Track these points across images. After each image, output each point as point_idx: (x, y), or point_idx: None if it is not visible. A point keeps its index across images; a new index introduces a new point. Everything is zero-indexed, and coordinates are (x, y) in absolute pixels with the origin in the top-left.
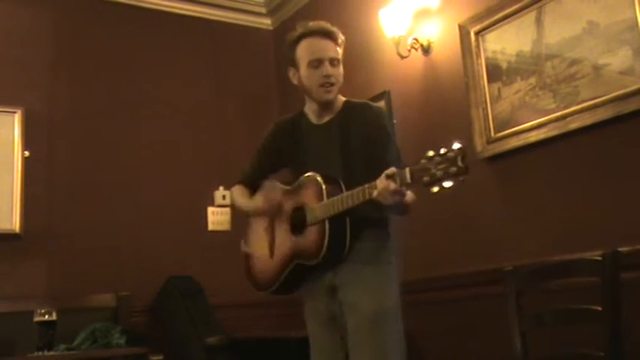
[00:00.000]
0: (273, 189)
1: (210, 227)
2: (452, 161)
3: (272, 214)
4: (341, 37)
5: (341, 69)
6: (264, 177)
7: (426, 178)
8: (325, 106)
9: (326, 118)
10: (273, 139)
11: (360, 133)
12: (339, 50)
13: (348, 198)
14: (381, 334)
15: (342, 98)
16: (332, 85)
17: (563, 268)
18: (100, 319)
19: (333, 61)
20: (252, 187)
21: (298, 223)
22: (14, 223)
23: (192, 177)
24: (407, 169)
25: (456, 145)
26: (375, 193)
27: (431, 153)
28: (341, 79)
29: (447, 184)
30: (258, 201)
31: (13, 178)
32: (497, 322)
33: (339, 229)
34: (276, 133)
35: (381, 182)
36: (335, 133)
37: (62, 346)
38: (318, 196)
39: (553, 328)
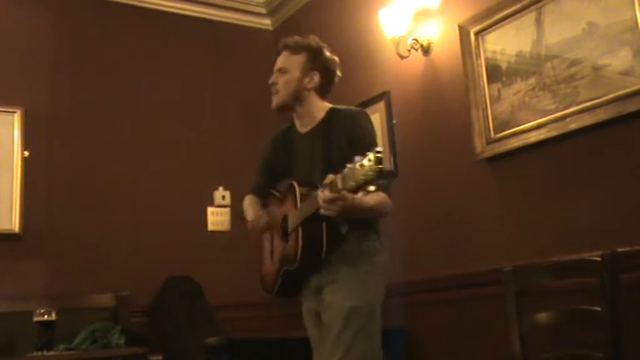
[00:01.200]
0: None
1: (210, 227)
2: (371, 165)
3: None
4: (300, 44)
5: (289, 76)
6: (270, 186)
7: (351, 183)
8: (297, 115)
9: (310, 127)
10: (270, 151)
11: (340, 140)
12: (295, 58)
13: (308, 204)
14: (349, 331)
15: (327, 105)
16: (276, 92)
17: (563, 269)
18: (99, 319)
19: (279, 70)
20: (262, 195)
21: (285, 229)
22: (14, 223)
23: (192, 177)
24: (338, 176)
25: (377, 149)
26: (321, 210)
27: (357, 158)
28: (288, 85)
29: (371, 187)
30: (252, 218)
31: (12, 178)
32: (497, 322)
33: (315, 234)
34: (272, 145)
35: (322, 192)
36: (317, 140)
37: (61, 346)
38: (294, 203)
39: (552, 329)
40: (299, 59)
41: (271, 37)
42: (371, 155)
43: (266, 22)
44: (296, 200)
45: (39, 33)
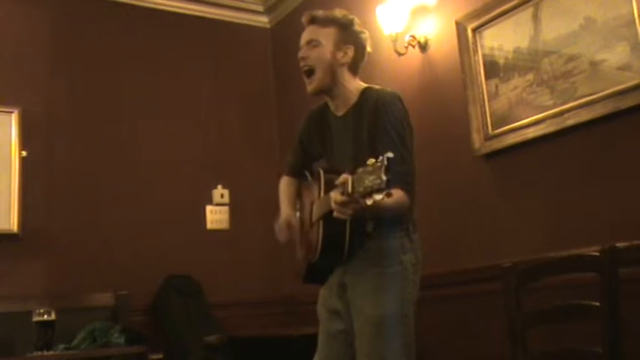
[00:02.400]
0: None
1: (209, 226)
2: (378, 172)
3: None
4: (328, 16)
5: (321, 49)
6: (306, 165)
7: (360, 189)
8: (330, 97)
9: (344, 110)
10: (306, 129)
11: (367, 128)
12: (326, 30)
13: (326, 199)
14: (382, 339)
15: (360, 85)
16: (309, 70)
17: (562, 264)
18: (98, 319)
19: (309, 43)
20: (298, 176)
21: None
22: (12, 224)
23: (191, 175)
24: (349, 178)
25: (388, 154)
26: (334, 213)
27: (370, 161)
28: (322, 59)
29: (378, 196)
30: (282, 215)
31: (10, 179)
32: (496, 318)
33: (336, 229)
34: (308, 123)
35: (334, 193)
36: (350, 125)
37: (61, 346)
38: (319, 192)
39: (552, 324)
40: (330, 31)
41: (269, 35)
42: (379, 161)
43: (263, 20)
44: (320, 190)
45: (36, 33)
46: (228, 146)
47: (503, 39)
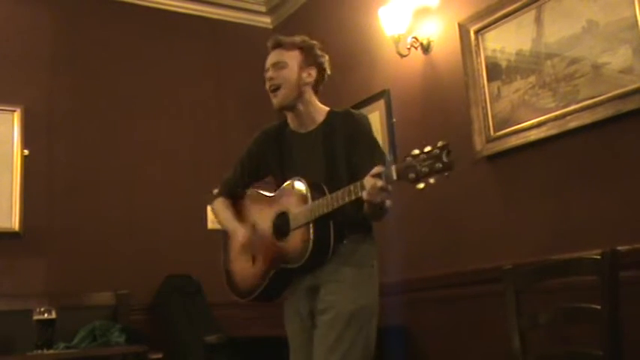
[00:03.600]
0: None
1: (210, 226)
2: (437, 158)
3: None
4: (293, 41)
5: (288, 70)
6: (246, 185)
7: (411, 175)
8: (294, 114)
9: (309, 128)
10: (259, 146)
11: (343, 141)
12: (290, 53)
13: (333, 200)
14: (351, 332)
15: (325, 108)
16: (276, 88)
17: (563, 267)
18: (99, 318)
19: (276, 65)
20: (234, 197)
21: (281, 228)
22: (13, 222)
23: (192, 175)
24: (393, 167)
25: (441, 143)
26: (364, 193)
27: (416, 151)
28: (288, 79)
29: (432, 179)
30: (237, 231)
31: (12, 177)
32: (497, 320)
33: (323, 233)
34: (263, 140)
35: (368, 181)
36: (319, 141)
37: (62, 345)
38: (301, 201)
39: (552, 327)
40: (295, 54)
41: (271, 36)
42: (437, 148)
43: (266, 21)
44: (305, 197)
45: (38, 31)
46: (230, 146)
47: (506, 41)
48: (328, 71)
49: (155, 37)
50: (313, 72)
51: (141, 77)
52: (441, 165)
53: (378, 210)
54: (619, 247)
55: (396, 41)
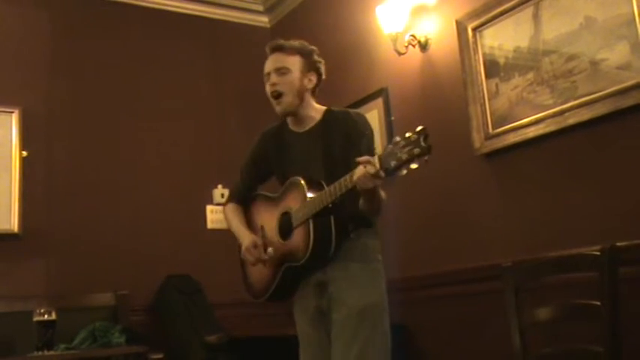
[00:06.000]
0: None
1: (210, 226)
2: (415, 143)
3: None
4: (294, 46)
5: (291, 76)
6: (253, 188)
7: (393, 163)
8: (295, 117)
9: (307, 127)
10: (260, 148)
11: (341, 140)
12: (292, 59)
13: (329, 193)
14: (366, 328)
15: (322, 107)
16: (279, 94)
17: (562, 264)
18: (99, 319)
19: (279, 70)
20: (244, 202)
21: (286, 227)
22: (13, 223)
23: (191, 175)
24: (375, 156)
25: (419, 128)
26: (354, 177)
27: (397, 138)
28: (292, 85)
29: (414, 165)
30: (244, 238)
31: (11, 178)
32: (496, 317)
33: (324, 228)
34: (263, 142)
35: (359, 169)
36: (317, 140)
37: (62, 346)
38: (301, 198)
39: (552, 324)
40: (296, 60)
41: (269, 35)
42: (415, 134)
43: (263, 20)
44: (304, 194)
45: (36, 32)
46: (229, 146)
47: (504, 38)
48: (324, 76)
49: (153, 37)
50: (314, 77)
51: (139, 78)
52: (419, 150)
53: (374, 202)
54: (618, 244)
55: (394, 39)
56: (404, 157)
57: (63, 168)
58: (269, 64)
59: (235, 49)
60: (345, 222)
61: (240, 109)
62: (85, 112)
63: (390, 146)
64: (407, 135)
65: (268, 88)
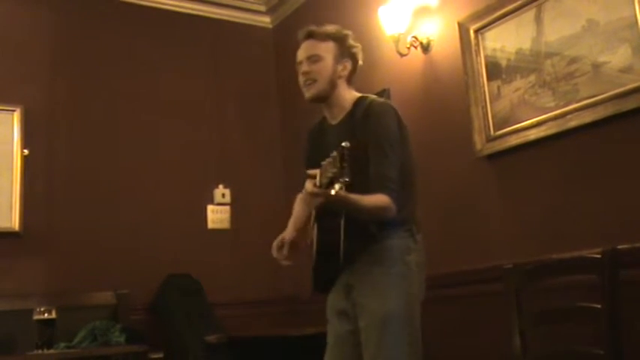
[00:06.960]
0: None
1: (210, 225)
2: (333, 163)
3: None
4: (326, 32)
5: (323, 63)
6: None
7: (324, 180)
8: (326, 106)
9: (339, 118)
10: (306, 148)
11: (359, 133)
12: (324, 45)
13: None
14: (388, 335)
15: (354, 95)
16: (312, 81)
17: (563, 266)
18: (99, 317)
19: (310, 58)
20: None
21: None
22: (13, 222)
23: (192, 175)
24: (318, 171)
25: (344, 143)
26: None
27: (334, 153)
28: (324, 72)
29: (337, 186)
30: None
31: (12, 177)
32: (497, 319)
33: (330, 231)
34: (307, 141)
35: (307, 184)
36: (343, 132)
37: (62, 344)
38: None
39: (552, 326)
40: (329, 46)
41: (270, 35)
42: (338, 152)
43: (265, 20)
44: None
45: (38, 31)
46: (230, 146)
47: (506, 40)
48: (360, 61)
49: (155, 37)
50: (348, 64)
51: (140, 77)
52: (335, 170)
53: (352, 211)
54: (619, 246)
55: (396, 40)
56: (330, 175)
57: (64, 166)
58: (301, 53)
59: (237, 49)
60: (367, 223)
61: (242, 109)
62: (87, 111)
63: (326, 161)
64: (334, 153)
65: (301, 78)
